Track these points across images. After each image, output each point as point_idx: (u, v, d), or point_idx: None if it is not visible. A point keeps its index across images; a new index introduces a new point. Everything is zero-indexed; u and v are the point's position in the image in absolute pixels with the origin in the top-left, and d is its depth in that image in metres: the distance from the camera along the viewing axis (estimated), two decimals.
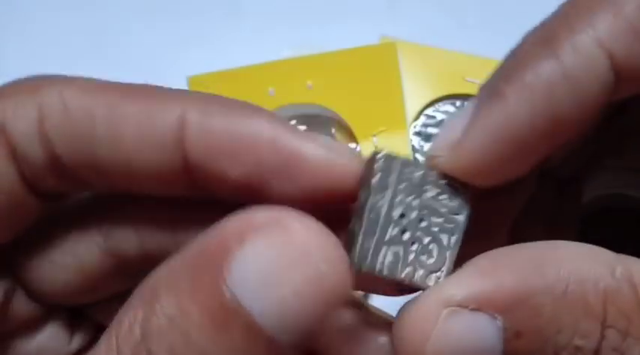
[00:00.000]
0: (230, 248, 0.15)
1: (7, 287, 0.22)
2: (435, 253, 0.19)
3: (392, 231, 0.19)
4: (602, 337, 0.17)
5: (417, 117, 0.43)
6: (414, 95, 0.43)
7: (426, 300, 0.18)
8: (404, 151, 0.42)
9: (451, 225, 0.20)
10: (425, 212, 0.19)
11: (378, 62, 0.43)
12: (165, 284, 0.16)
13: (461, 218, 0.19)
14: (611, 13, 0.18)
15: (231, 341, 0.15)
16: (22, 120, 0.19)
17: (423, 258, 0.19)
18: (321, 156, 0.19)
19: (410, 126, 0.43)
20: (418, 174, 0.19)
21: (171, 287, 0.16)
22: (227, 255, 0.15)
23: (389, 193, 0.19)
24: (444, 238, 0.19)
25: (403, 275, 0.19)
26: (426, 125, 0.43)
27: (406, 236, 0.19)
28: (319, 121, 0.44)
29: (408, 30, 0.45)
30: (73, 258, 0.22)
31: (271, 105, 0.43)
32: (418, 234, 0.19)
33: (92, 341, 0.24)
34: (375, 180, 0.19)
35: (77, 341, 0.24)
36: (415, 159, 0.21)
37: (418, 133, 0.43)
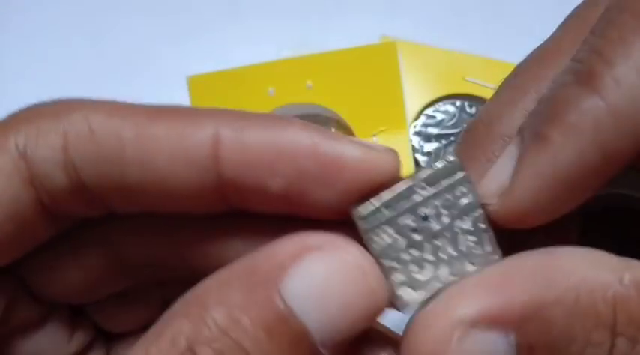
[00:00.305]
0: (285, 265, 0.17)
1: (12, 289, 0.22)
2: (427, 272, 0.19)
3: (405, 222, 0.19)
4: (613, 345, 0.17)
5: (417, 117, 0.43)
6: (414, 95, 0.43)
7: (437, 320, 0.17)
8: (404, 151, 0.42)
9: (458, 268, 0.19)
10: (446, 234, 0.19)
11: (378, 62, 0.43)
12: (216, 298, 0.17)
13: (470, 268, 0.19)
14: None
15: (280, 351, 0.16)
16: (45, 148, 0.19)
17: (414, 268, 0.19)
18: (361, 158, 0.19)
19: (410, 125, 0.43)
20: (467, 201, 0.19)
21: (222, 300, 0.17)
22: (282, 271, 0.17)
23: (432, 190, 0.19)
24: (443, 271, 0.19)
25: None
26: (426, 125, 0.43)
27: (416, 237, 0.19)
28: (319, 121, 0.44)
29: (408, 30, 0.45)
30: (76, 260, 0.22)
31: (271, 106, 0.43)
32: (425, 244, 0.19)
33: (92, 342, 0.24)
34: (427, 173, 0.19)
35: (76, 342, 0.24)
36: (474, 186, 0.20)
37: (418, 133, 0.43)
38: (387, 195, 0.19)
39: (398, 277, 0.19)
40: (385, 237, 0.19)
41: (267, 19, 0.47)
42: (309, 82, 0.43)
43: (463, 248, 0.19)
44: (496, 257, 0.19)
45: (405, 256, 0.19)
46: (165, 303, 0.25)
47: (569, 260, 0.17)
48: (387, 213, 0.19)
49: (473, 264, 0.19)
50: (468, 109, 0.42)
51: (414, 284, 0.19)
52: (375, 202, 0.19)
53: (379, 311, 0.17)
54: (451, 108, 0.43)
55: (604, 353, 0.17)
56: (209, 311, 0.17)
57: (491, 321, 0.17)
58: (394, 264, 0.19)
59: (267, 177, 0.19)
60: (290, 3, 0.47)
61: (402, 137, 0.42)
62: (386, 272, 0.19)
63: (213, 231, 0.21)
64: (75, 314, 0.24)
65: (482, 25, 0.46)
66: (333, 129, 0.44)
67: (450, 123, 0.42)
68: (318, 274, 0.17)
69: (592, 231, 0.20)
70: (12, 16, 0.48)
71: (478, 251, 0.19)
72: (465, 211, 0.19)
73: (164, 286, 0.24)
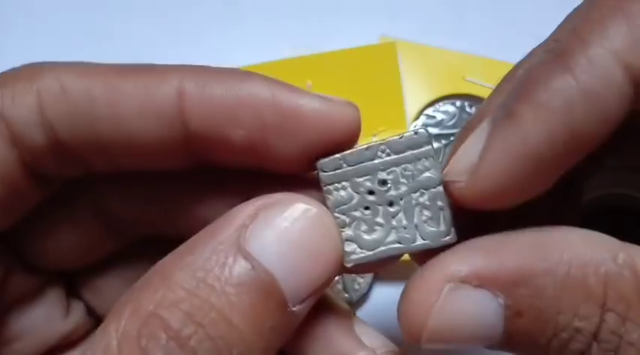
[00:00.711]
0: (245, 223, 0.17)
1: (7, 262, 0.22)
2: (375, 235, 0.19)
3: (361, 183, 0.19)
4: (602, 320, 0.17)
5: (416, 117, 0.43)
6: (414, 95, 0.43)
7: (430, 275, 0.18)
8: None
9: (409, 246, 0.19)
10: (401, 203, 0.19)
11: (378, 62, 0.43)
12: (179, 265, 0.17)
13: (419, 241, 0.19)
14: (625, 24, 0.17)
15: (251, 305, 0.17)
16: (21, 108, 0.19)
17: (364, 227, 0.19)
18: (319, 108, 0.19)
19: (410, 125, 0.43)
20: (429, 175, 0.19)
21: (185, 265, 0.17)
22: (243, 229, 0.17)
23: (394, 157, 0.19)
24: (392, 237, 0.19)
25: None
26: (425, 125, 0.43)
27: (371, 199, 0.19)
28: None
29: (407, 30, 0.45)
30: (66, 223, 0.23)
31: None
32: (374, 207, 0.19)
33: (88, 330, 0.25)
34: (394, 139, 0.19)
35: (71, 321, 0.24)
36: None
37: None
38: (350, 153, 0.19)
39: (347, 232, 0.19)
40: (342, 192, 0.19)
41: (266, 19, 0.47)
42: (309, 82, 0.43)
43: (416, 220, 0.19)
44: (449, 237, 0.19)
45: (357, 214, 0.19)
46: None
47: (565, 236, 0.18)
48: (347, 169, 0.19)
49: (423, 239, 0.19)
50: (468, 109, 0.42)
51: (360, 243, 0.19)
52: (337, 157, 0.19)
53: (338, 263, 0.18)
54: (451, 109, 0.43)
55: (592, 327, 0.17)
56: (173, 277, 0.17)
57: (482, 281, 0.17)
58: (346, 219, 0.19)
59: (229, 128, 0.19)
60: (290, 3, 0.47)
61: None
62: (336, 224, 0.19)
63: (193, 189, 0.22)
64: (70, 294, 0.24)
65: (483, 25, 0.46)
66: None
67: (450, 124, 0.42)
68: (276, 224, 0.17)
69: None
70: (11, 14, 0.48)
71: (431, 227, 0.19)
72: (425, 185, 0.19)
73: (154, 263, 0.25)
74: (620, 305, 0.17)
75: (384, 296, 0.37)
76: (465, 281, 0.17)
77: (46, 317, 0.23)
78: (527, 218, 0.21)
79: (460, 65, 0.43)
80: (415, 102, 0.43)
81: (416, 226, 0.19)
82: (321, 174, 0.19)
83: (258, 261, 0.17)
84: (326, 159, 0.19)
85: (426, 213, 0.19)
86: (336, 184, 0.19)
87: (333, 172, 0.19)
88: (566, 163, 0.18)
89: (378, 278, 0.37)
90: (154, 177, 0.22)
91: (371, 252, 0.19)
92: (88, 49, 0.46)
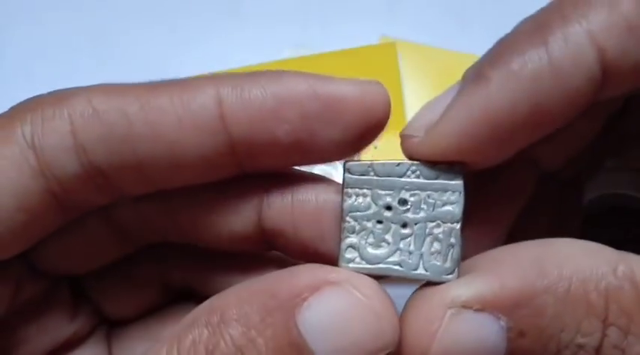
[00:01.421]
0: (304, 295, 0.17)
1: (20, 270, 0.22)
2: (379, 251, 0.19)
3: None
4: (604, 335, 0.17)
5: None
6: (414, 94, 0.43)
7: (431, 301, 0.18)
8: None
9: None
10: (415, 228, 0.19)
11: (378, 62, 0.43)
12: (235, 314, 0.17)
13: (420, 271, 0.19)
14: (608, 7, 0.18)
15: None
16: (52, 135, 0.19)
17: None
18: (355, 90, 0.19)
19: None
20: (450, 209, 0.19)
21: (240, 317, 0.17)
22: (300, 301, 0.17)
23: (423, 181, 0.19)
24: (394, 258, 0.19)
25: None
26: None
27: (387, 214, 0.19)
28: None
29: (408, 30, 0.45)
30: (74, 224, 0.22)
31: None
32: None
33: (93, 328, 0.25)
34: (428, 164, 0.19)
35: (78, 322, 0.24)
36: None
37: None
38: (381, 163, 0.19)
39: (352, 239, 0.19)
40: (360, 199, 0.19)
41: (267, 19, 0.47)
42: None
43: (424, 249, 0.19)
44: (451, 276, 0.19)
45: (369, 225, 0.19)
46: (164, 289, 0.25)
47: (564, 249, 0.18)
48: (373, 178, 0.19)
49: (425, 270, 0.19)
50: None
51: (362, 253, 0.19)
52: (367, 163, 0.19)
53: (384, 350, 0.18)
54: None
55: (595, 342, 0.17)
56: (227, 326, 0.17)
57: (484, 305, 0.17)
58: (355, 226, 0.19)
59: (274, 126, 0.19)
60: (290, 3, 0.47)
61: None
62: (345, 229, 0.19)
63: (200, 197, 0.22)
64: (76, 296, 0.24)
65: (482, 25, 0.46)
66: None
67: None
68: (334, 309, 0.17)
69: (593, 232, 0.20)
70: (12, 16, 0.48)
71: (437, 261, 0.19)
72: (444, 218, 0.19)
73: (163, 265, 0.25)
74: (621, 319, 0.17)
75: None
76: (466, 306, 0.17)
77: (54, 319, 0.23)
78: (530, 222, 0.21)
79: (460, 65, 0.43)
80: (415, 102, 0.43)
81: (421, 255, 0.19)
82: (347, 175, 0.19)
83: (305, 339, 0.17)
84: (355, 162, 0.19)
85: (436, 245, 0.19)
86: (358, 189, 0.19)
87: (358, 177, 0.19)
88: (526, 135, 0.19)
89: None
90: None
91: (369, 266, 0.19)
92: (90, 51, 0.46)
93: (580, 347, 0.17)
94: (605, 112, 0.23)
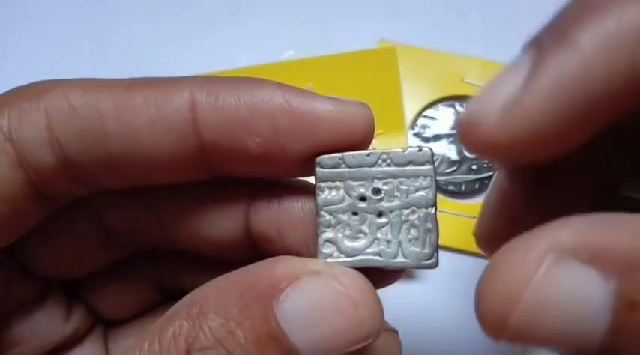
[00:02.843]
0: (282, 285, 0.17)
1: (9, 270, 0.22)
2: (357, 243, 0.19)
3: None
4: None
5: (415, 119, 0.43)
6: (413, 97, 0.43)
7: (529, 240, 0.14)
8: None
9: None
10: (391, 217, 0.19)
11: (378, 66, 0.44)
12: (214, 306, 0.17)
13: (400, 259, 0.19)
14: None
15: None
16: (29, 128, 0.19)
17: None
18: (333, 110, 0.19)
19: (409, 128, 0.43)
20: (424, 194, 0.19)
21: (219, 309, 0.17)
22: (278, 291, 0.17)
23: (394, 168, 0.19)
24: (373, 249, 0.19)
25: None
26: (424, 126, 0.43)
27: (362, 205, 0.19)
28: None
29: (407, 32, 0.45)
30: (66, 233, 0.23)
31: None
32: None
33: (89, 329, 0.25)
34: (397, 151, 0.19)
35: (73, 322, 0.24)
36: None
37: (417, 135, 0.43)
38: (351, 154, 0.19)
39: (329, 234, 0.19)
40: (334, 192, 0.19)
41: (267, 21, 0.47)
42: (309, 85, 0.43)
43: (402, 237, 0.19)
44: (430, 261, 0.19)
45: (345, 217, 0.19)
46: (158, 288, 0.25)
47: None
48: (345, 170, 0.19)
49: (404, 257, 0.19)
50: None
51: (340, 247, 0.19)
52: (337, 156, 0.19)
53: (365, 339, 0.18)
54: (450, 110, 0.43)
55: None
56: (206, 319, 0.17)
57: (593, 255, 0.13)
58: (331, 220, 0.19)
59: (245, 137, 0.19)
60: (290, 6, 0.47)
61: (401, 140, 0.42)
62: (320, 224, 0.19)
63: (187, 202, 0.22)
64: (71, 297, 0.24)
65: (481, 27, 0.46)
66: None
67: (449, 125, 0.43)
68: (311, 299, 0.17)
69: None
70: (12, 15, 0.48)
71: (415, 248, 0.19)
72: (418, 204, 0.19)
73: (156, 267, 0.25)
74: None
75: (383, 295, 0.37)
76: (572, 253, 0.13)
77: (47, 321, 0.23)
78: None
79: (459, 67, 0.43)
80: (414, 104, 0.43)
81: (399, 243, 0.19)
82: (318, 169, 0.19)
83: (283, 329, 0.17)
84: (325, 156, 0.19)
85: (413, 232, 0.19)
86: (330, 183, 0.19)
87: (329, 170, 0.19)
88: (617, 111, 0.15)
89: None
90: (153, 191, 0.22)
91: (348, 259, 0.19)
92: (90, 51, 0.46)
93: None
94: None
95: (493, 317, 0.14)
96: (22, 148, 0.19)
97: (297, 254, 0.20)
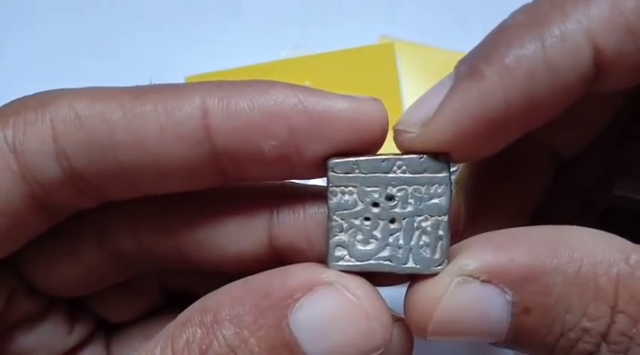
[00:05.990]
0: (297, 295, 0.17)
1: (11, 284, 0.22)
2: (368, 247, 0.19)
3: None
4: (612, 321, 0.17)
5: None
6: (412, 94, 0.43)
7: (442, 272, 0.18)
8: None
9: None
10: (403, 223, 0.19)
11: (376, 62, 0.43)
12: (228, 314, 0.17)
13: (410, 265, 0.19)
14: (609, 6, 0.18)
15: None
16: (33, 139, 0.19)
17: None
18: (348, 108, 0.19)
19: None
20: (437, 202, 0.19)
21: (233, 317, 0.17)
22: (293, 301, 0.17)
23: (409, 175, 0.19)
24: (384, 254, 0.19)
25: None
26: None
27: (374, 211, 0.19)
28: None
29: (407, 30, 0.45)
30: (72, 254, 0.22)
31: None
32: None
33: (92, 334, 0.24)
34: (413, 158, 0.19)
35: (76, 334, 0.24)
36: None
37: None
38: (366, 160, 0.19)
39: (340, 237, 0.19)
40: (347, 197, 0.19)
41: (265, 19, 0.47)
42: (307, 83, 0.43)
43: (413, 243, 0.19)
44: (440, 267, 0.19)
45: (357, 222, 0.19)
46: (164, 292, 0.25)
47: (578, 235, 0.18)
48: (359, 175, 0.19)
49: (415, 263, 0.19)
50: None
51: (351, 251, 0.19)
52: (352, 160, 0.19)
53: (376, 350, 0.18)
54: None
55: (602, 327, 0.17)
56: (220, 326, 0.17)
57: (491, 276, 0.17)
58: (343, 224, 0.19)
59: (260, 140, 0.19)
60: (289, 3, 0.47)
61: None
62: (332, 228, 0.19)
63: (204, 218, 0.21)
64: (74, 307, 0.24)
65: (481, 25, 0.45)
66: None
67: None
68: (325, 310, 0.17)
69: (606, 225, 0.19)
70: (13, 16, 0.47)
71: (426, 254, 0.19)
72: (431, 211, 0.19)
73: (162, 275, 0.24)
74: (631, 307, 0.17)
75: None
76: (473, 275, 0.17)
77: (51, 334, 0.23)
78: (553, 208, 0.21)
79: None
80: (413, 101, 0.43)
81: (410, 249, 0.19)
82: (331, 174, 0.19)
83: (296, 339, 0.17)
84: (339, 160, 0.19)
85: (425, 238, 0.19)
86: (343, 187, 0.19)
87: (343, 175, 0.19)
88: (516, 130, 0.19)
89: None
90: (165, 211, 0.21)
91: (359, 263, 0.19)
92: (90, 51, 0.46)
93: (585, 330, 0.17)
94: (616, 101, 0.23)
95: (416, 325, 0.18)
96: (26, 160, 0.19)
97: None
